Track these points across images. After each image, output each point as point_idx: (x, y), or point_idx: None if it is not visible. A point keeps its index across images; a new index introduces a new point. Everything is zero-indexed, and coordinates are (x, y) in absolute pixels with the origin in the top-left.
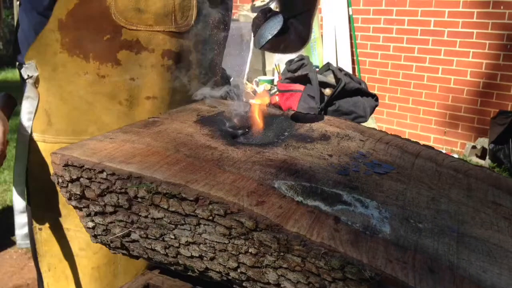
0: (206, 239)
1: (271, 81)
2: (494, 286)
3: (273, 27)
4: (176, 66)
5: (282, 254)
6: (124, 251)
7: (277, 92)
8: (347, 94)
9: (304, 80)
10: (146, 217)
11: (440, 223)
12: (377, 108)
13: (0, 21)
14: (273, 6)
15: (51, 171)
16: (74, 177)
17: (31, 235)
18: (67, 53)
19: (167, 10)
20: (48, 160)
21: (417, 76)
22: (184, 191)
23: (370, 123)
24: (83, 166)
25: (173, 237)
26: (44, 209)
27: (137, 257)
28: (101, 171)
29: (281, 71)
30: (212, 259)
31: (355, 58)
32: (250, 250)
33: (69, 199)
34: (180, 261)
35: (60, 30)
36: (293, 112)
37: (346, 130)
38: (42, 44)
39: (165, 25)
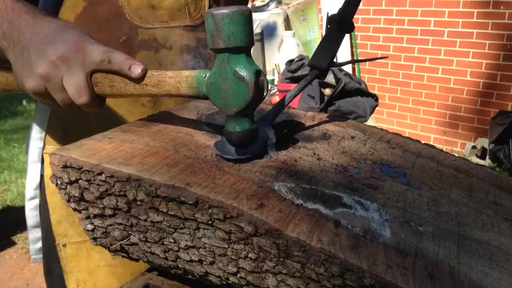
0: (206, 243)
1: (271, 81)
2: None
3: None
4: (194, 61)
5: (281, 259)
6: (124, 254)
7: (277, 92)
8: (347, 94)
9: None
10: (145, 220)
11: (441, 226)
12: (377, 108)
13: None
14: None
15: None
16: (73, 179)
17: (44, 251)
18: None
19: (180, 4)
20: None
21: (417, 76)
22: (183, 194)
23: (370, 123)
24: (82, 167)
25: (172, 240)
26: (67, 223)
27: (136, 260)
28: (100, 173)
29: (281, 71)
30: (211, 263)
31: (355, 58)
32: (249, 255)
33: (68, 201)
34: (179, 265)
35: None
36: (293, 110)
37: (347, 128)
38: None
39: (180, 19)
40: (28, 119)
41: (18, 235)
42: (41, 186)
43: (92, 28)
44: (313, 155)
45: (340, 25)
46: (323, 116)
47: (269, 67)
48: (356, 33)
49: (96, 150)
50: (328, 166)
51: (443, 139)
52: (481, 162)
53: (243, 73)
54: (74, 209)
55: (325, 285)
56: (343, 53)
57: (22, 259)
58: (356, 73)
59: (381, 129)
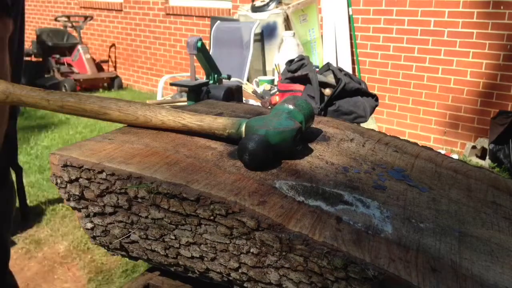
0: (207, 239)
1: (271, 81)
2: (496, 284)
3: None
4: None
5: (284, 253)
6: (123, 253)
7: (277, 92)
8: (347, 94)
9: (304, 80)
10: (146, 217)
11: (441, 223)
12: (377, 108)
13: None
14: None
15: None
16: (73, 177)
17: None
18: None
19: None
20: None
21: (417, 76)
22: (185, 191)
23: (370, 123)
24: (82, 166)
25: (173, 237)
26: None
27: (136, 259)
28: (101, 172)
29: (281, 71)
30: (213, 259)
31: (355, 58)
32: (251, 250)
33: (68, 200)
34: (180, 262)
35: None
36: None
37: (346, 131)
38: None
39: None
40: (28, 119)
41: (18, 235)
42: None
43: None
44: (313, 156)
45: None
46: (322, 119)
47: (269, 67)
48: (356, 33)
49: (96, 150)
50: (328, 166)
51: (443, 139)
52: (481, 162)
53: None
54: (74, 208)
55: (328, 278)
56: (343, 53)
57: (22, 259)
58: (356, 73)
59: (379, 131)
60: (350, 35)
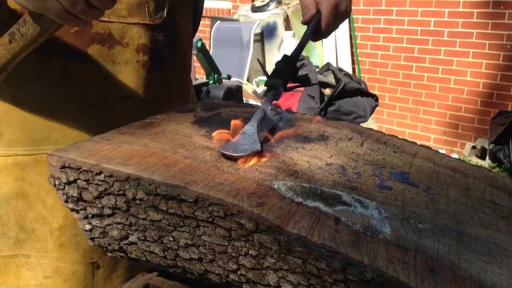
0: (206, 241)
1: None
2: (495, 285)
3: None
4: (151, 62)
5: (282, 255)
6: (122, 254)
7: None
8: (347, 94)
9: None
10: (144, 219)
11: (439, 223)
12: (377, 108)
13: None
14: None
15: (5, 188)
16: (71, 179)
17: None
18: None
19: (140, 0)
20: None
21: (417, 76)
22: (183, 192)
23: (370, 123)
24: (80, 168)
25: (172, 239)
26: None
27: (135, 260)
28: (99, 173)
29: None
30: (211, 261)
31: (355, 58)
32: (250, 252)
33: (66, 201)
34: (179, 264)
35: (13, 21)
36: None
37: (344, 130)
38: None
39: (140, 16)
40: None
41: None
42: None
43: None
44: (311, 156)
45: (287, 63)
46: (320, 118)
47: (269, 67)
48: (356, 33)
49: (94, 151)
50: (326, 166)
51: (443, 139)
52: (481, 162)
53: None
54: (72, 210)
55: (326, 280)
56: (343, 53)
57: None
58: (356, 73)
59: (377, 131)
60: (350, 35)
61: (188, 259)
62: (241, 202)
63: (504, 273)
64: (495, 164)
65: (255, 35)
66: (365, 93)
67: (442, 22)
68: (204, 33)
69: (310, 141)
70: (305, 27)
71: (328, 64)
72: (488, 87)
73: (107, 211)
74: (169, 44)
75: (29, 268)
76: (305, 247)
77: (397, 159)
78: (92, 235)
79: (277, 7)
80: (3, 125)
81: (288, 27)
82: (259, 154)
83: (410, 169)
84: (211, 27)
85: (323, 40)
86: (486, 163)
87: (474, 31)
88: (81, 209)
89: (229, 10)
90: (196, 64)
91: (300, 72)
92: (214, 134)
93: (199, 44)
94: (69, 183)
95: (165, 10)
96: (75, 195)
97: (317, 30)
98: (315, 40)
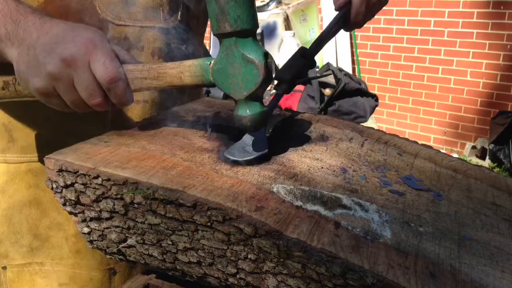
0: (204, 245)
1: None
2: None
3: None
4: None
5: (282, 260)
6: (121, 257)
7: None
8: (347, 94)
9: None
10: (142, 223)
11: (441, 226)
12: (377, 108)
13: None
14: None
15: (18, 196)
16: (69, 182)
17: None
18: None
19: (155, 3)
20: (11, 184)
21: (417, 76)
22: (181, 197)
23: (370, 123)
24: (78, 171)
25: (170, 242)
26: (8, 243)
27: (133, 263)
28: (96, 177)
29: None
30: (210, 264)
31: (355, 58)
32: (249, 256)
33: (64, 204)
34: (178, 267)
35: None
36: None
37: (344, 130)
38: None
39: (155, 20)
40: None
41: None
42: None
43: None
44: (311, 157)
45: (305, 54)
46: (320, 117)
47: None
48: (356, 33)
49: (92, 154)
50: (326, 167)
51: (443, 139)
52: (481, 162)
53: (252, 55)
54: (70, 213)
55: (326, 285)
56: (343, 53)
57: None
58: (356, 73)
59: (378, 130)
60: (350, 35)
61: (187, 262)
62: (240, 207)
63: (506, 277)
64: (495, 164)
65: None
66: (365, 93)
67: (442, 22)
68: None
69: (310, 141)
70: (305, 27)
71: (328, 64)
72: (488, 87)
73: (105, 214)
74: (183, 47)
75: (44, 276)
76: (304, 252)
77: (398, 160)
78: (91, 238)
79: (277, 7)
80: (17, 131)
81: (288, 27)
82: (265, 155)
83: (411, 170)
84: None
85: None
86: (486, 163)
87: (474, 31)
88: (79, 212)
89: None
90: None
91: None
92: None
93: None
94: (66, 186)
95: (179, 13)
96: (73, 198)
97: (347, 19)
98: (347, 30)
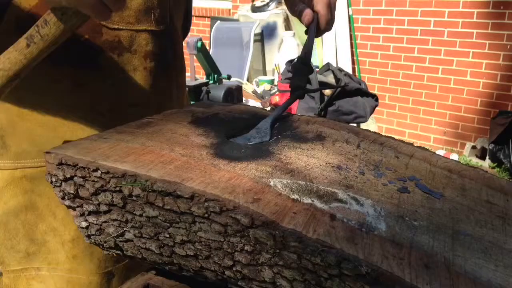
0: (201, 237)
1: (271, 81)
2: (490, 282)
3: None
4: (157, 68)
5: (278, 251)
6: (118, 251)
7: (277, 92)
8: (347, 94)
9: None
10: (140, 215)
11: (435, 221)
12: (377, 108)
13: None
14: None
15: (13, 202)
16: (68, 176)
17: None
18: None
19: (147, 6)
20: (6, 190)
21: (417, 76)
22: (179, 188)
23: (370, 123)
24: (77, 164)
25: (168, 235)
26: (4, 248)
27: (131, 257)
28: (95, 170)
29: (281, 71)
30: (207, 257)
31: (355, 58)
32: (245, 248)
33: (63, 198)
34: (174, 261)
35: (18, 31)
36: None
37: (341, 131)
38: None
39: (147, 23)
40: None
41: None
42: None
43: None
44: (308, 155)
45: (305, 62)
46: (317, 119)
47: (269, 67)
48: (356, 33)
49: (91, 149)
50: (323, 165)
51: (443, 139)
52: (481, 162)
53: None
54: (68, 207)
55: (321, 275)
56: (343, 53)
57: None
58: (356, 73)
59: (374, 132)
60: (350, 35)
61: (184, 255)
62: (237, 198)
63: (500, 270)
64: (495, 164)
65: (255, 35)
66: (365, 93)
67: (442, 22)
68: (204, 33)
69: (307, 141)
70: (305, 27)
71: (328, 64)
72: (488, 87)
73: (103, 207)
74: (172, 50)
75: (40, 281)
76: (300, 242)
77: (393, 159)
78: (89, 232)
79: (277, 7)
80: (10, 137)
81: (288, 27)
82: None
83: (406, 170)
84: (211, 27)
85: (323, 40)
86: (486, 163)
87: (474, 31)
88: (77, 206)
89: (229, 10)
90: (196, 64)
91: None
92: None
93: (199, 44)
94: (65, 180)
95: (168, 16)
96: (72, 192)
97: (318, 29)
98: (317, 36)
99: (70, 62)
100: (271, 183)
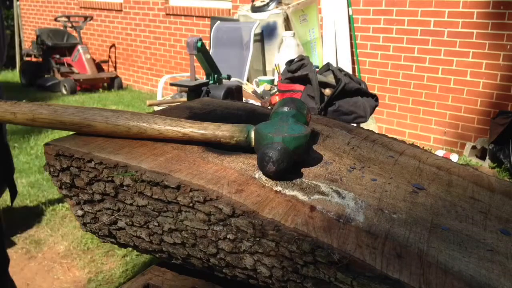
0: (187, 225)
1: (271, 81)
2: (461, 272)
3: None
4: None
5: (257, 239)
6: (112, 239)
7: (277, 92)
8: (347, 94)
9: (304, 80)
10: (131, 204)
11: (414, 215)
12: (377, 108)
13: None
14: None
15: None
16: (65, 166)
17: None
18: None
19: None
20: None
21: (417, 76)
22: (166, 179)
23: (370, 123)
24: (73, 155)
25: (156, 224)
26: None
27: (124, 246)
28: (90, 161)
29: (281, 71)
30: (193, 245)
31: (355, 58)
32: (228, 236)
33: (60, 187)
34: (164, 248)
35: None
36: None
37: (333, 128)
38: None
39: None
40: None
41: (18, 235)
42: None
43: None
44: None
45: None
46: (312, 117)
47: (269, 67)
48: (356, 33)
49: (88, 141)
50: (310, 159)
51: (443, 139)
52: (481, 162)
53: None
54: (65, 196)
55: (297, 263)
56: (343, 53)
57: (22, 259)
58: (356, 73)
59: (367, 130)
60: (350, 35)
61: (172, 243)
62: (221, 189)
63: (472, 262)
64: (495, 164)
65: (255, 35)
66: (365, 93)
67: (442, 22)
68: (204, 33)
69: None
70: (305, 27)
71: (328, 64)
72: (488, 87)
73: (97, 197)
74: None
75: None
76: (277, 231)
77: (382, 156)
78: (84, 221)
79: (277, 7)
80: None
81: (288, 27)
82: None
83: (393, 165)
84: (211, 27)
85: (323, 40)
86: (486, 163)
87: (474, 31)
88: (74, 195)
89: (229, 10)
90: (196, 64)
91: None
92: None
93: (199, 44)
94: (62, 170)
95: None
96: (68, 181)
97: None
98: None
99: None
100: (256, 176)
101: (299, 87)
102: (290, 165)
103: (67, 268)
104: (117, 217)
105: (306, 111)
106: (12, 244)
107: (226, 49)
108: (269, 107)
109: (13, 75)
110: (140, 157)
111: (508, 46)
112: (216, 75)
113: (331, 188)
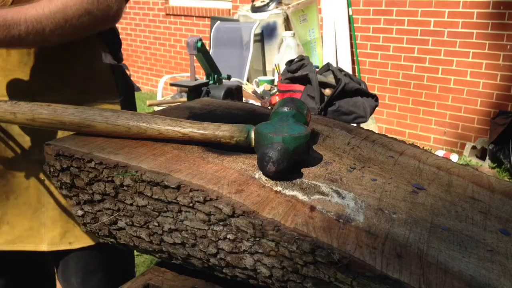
0: (188, 225)
1: (271, 81)
2: (461, 272)
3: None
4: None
5: (257, 239)
6: (112, 239)
7: (277, 92)
8: (347, 94)
9: (304, 80)
10: (131, 204)
11: (414, 215)
12: (377, 108)
13: None
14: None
15: None
16: (65, 166)
17: None
18: None
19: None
20: None
21: (417, 76)
22: (166, 179)
23: (370, 123)
24: (73, 155)
25: (156, 224)
26: None
27: (124, 246)
28: (90, 161)
29: (281, 71)
30: (193, 245)
31: (355, 58)
32: (228, 236)
33: (60, 187)
34: (164, 249)
35: None
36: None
37: (334, 128)
38: None
39: None
40: None
41: None
42: None
43: None
44: None
45: None
46: (313, 117)
47: (269, 67)
48: (356, 33)
49: (88, 141)
50: (310, 159)
51: (443, 139)
52: (481, 162)
53: None
54: (66, 196)
55: (297, 263)
56: (343, 53)
57: None
58: (356, 73)
59: (367, 130)
60: (350, 35)
61: (172, 243)
62: (221, 189)
63: (472, 262)
64: (495, 164)
65: (255, 35)
66: (365, 93)
67: (442, 22)
68: (204, 33)
69: None
70: (305, 27)
71: (328, 64)
72: (488, 87)
73: (97, 197)
74: None
75: None
76: (277, 231)
77: (382, 156)
78: (85, 221)
79: (277, 7)
80: None
81: (288, 27)
82: None
83: (393, 165)
84: (211, 27)
85: (323, 40)
86: (486, 163)
87: (474, 31)
88: (74, 195)
89: (229, 10)
90: (196, 64)
91: (300, 72)
92: None
93: (199, 44)
94: (62, 170)
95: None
96: (68, 181)
97: None
98: None
99: None
100: (256, 176)
101: (299, 87)
102: (290, 165)
103: None
104: (117, 217)
105: (306, 111)
106: None
107: (226, 49)
108: (269, 107)
109: None
110: (140, 157)
111: (508, 46)
112: (216, 75)
113: (331, 188)
